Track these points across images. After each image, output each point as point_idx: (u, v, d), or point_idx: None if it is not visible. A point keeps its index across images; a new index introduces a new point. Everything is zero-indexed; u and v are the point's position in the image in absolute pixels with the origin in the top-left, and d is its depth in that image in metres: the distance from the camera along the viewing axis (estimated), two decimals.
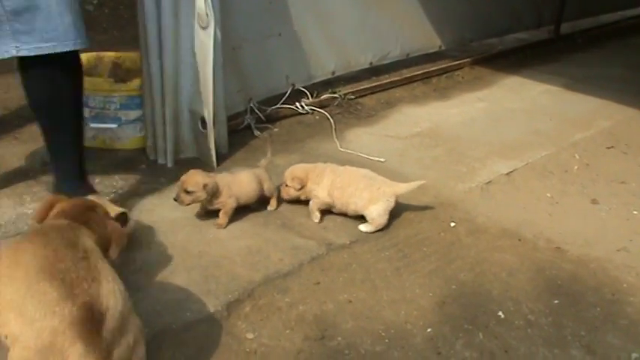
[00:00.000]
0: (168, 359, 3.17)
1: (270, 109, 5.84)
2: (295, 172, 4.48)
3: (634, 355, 3.41)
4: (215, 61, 4.80)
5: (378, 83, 6.90)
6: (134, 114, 5.24)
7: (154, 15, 4.68)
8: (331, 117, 6.04)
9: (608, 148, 5.89)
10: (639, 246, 4.45)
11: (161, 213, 4.43)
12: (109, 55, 5.91)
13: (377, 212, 4.31)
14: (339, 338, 3.44)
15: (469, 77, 7.52)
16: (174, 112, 4.99)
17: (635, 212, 4.89)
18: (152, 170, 5.04)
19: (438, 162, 5.41)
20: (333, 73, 6.44)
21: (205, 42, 4.76)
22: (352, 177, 4.39)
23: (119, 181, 4.84)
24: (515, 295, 3.85)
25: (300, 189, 4.45)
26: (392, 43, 6.90)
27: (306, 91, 6.17)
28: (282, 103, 5.98)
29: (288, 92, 5.96)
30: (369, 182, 4.37)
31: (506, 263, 4.15)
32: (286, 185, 4.51)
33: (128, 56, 5.86)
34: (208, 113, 4.92)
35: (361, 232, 4.34)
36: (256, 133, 5.65)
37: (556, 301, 3.82)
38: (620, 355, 3.41)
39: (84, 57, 5.70)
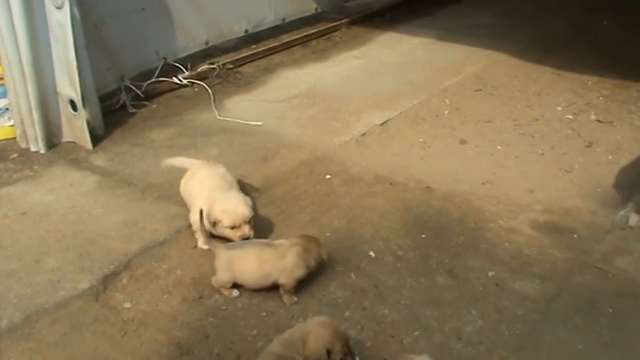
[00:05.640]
0: (41, 339, 3.19)
1: (145, 84, 5.79)
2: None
3: (490, 273, 3.70)
4: (76, 41, 4.71)
5: (257, 50, 6.94)
6: None
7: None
8: (210, 88, 6.06)
9: (476, 91, 6.22)
10: (502, 177, 4.78)
11: (34, 198, 4.36)
12: None
13: None
14: (217, 296, 3.54)
15: (347, 37, 7.69)
16: (41, 96, 4.87)
17: (499, 147, 5.23)
18: (25, 158, 4.92)
19: (315, 120, 5.56)
20: (207, 43, 6.45)
21: (62, 22, 4.65)
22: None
23: None
24: (385, 235, 4.07)
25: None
26: (265, 9, 6.96)
27: (178, 65, 6.15)
28: (159, 78, 5.93)
29: (160, 66, 5.93)
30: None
31: (378, 207, 4.36)
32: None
33: None
34: (76, 94, 4.84)
35: None
36: (131, 110, 5.60)
37: (423, 236, 4.07)
38: (479, 275, 3.70)
39: None
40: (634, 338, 3.18)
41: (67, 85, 4.86)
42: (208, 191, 3.85)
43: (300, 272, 3.46)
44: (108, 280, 3.59)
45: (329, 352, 2.88)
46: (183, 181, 4.14)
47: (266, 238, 3.88)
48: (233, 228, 3.70)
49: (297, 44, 7.33)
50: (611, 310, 3.36)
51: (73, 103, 4.91)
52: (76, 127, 5.02)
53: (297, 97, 6.02)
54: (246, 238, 3.70)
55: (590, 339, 3.19)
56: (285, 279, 3.46)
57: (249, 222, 3.72)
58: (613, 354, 3.10)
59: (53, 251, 3.81)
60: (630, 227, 4.02)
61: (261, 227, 4.05)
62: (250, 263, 3.47)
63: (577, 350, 3.12)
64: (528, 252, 3.89)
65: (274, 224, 4.13)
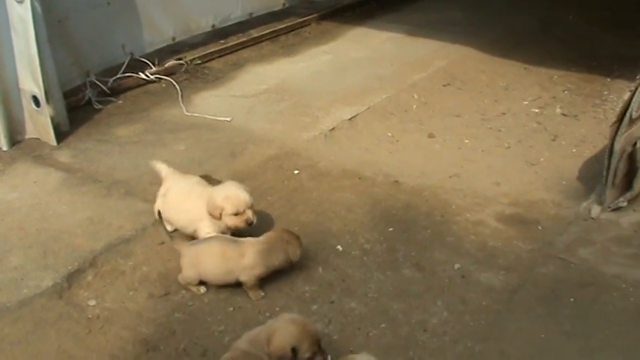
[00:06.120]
0: (4, 338, 3.14)
1: (111, 80, 5.72)
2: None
3: (456, 266, 3.74)
4: (38, 36, 4.64)
5: (226, 46, 6.90)
6: None
7: None
8: (178, 83, 6.00)
9: (445, 85, 6.26)
10: (469, 171, 4.83)
11: None
12: None
13: None
14: (183, 292, 3.52)
15: (316, 32, 7.67)
16: (2, 92, 4.77)
17: (466, 141, 5.28)
18: None
19: (284, 115, 5.54)
20: (174, 38, 6.38)
21: (24, 17, 4.58)
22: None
23: None
24: (353, 229, 4.08)
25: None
26: (232, 3, 6.91)
27: (145, 60, 6.07)
28: (125, 74, 5.86)
29: (126, 62, 5.85)
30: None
31: (346, 201, 4.37)
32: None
33: None
34: (39, 90, 4.77)
35: None
36: (97, 106, 5.52)
37: (390, 229, 4.09)
38: (446, 268, 3.73)
39: None
40: (594, 327, 3.24)
41: (30, 80, 4.78)
42: (198, 194, 3.82)
43: (259, 271, 3.45)
44: (72, 278, 3.55)
45: (295, 351, 2.82)
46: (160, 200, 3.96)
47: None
48: (237, 215, 3.68)
49: (266, 39, 7.30)
50: (572, 300, 3.42)
51: (35, 99, 4.83)
52: (39, 124, 4.94)
53: (266, 93, 6.00)
54: (250, 224, 3.71)
55: (552, 328, 3.24)
56: (245, 277, 3.45)
57: (251, 207, 3.71)
58: (574, 342, 3.15)
59: (16, 249, 3.75)
60: (592, 218, 4.10)
61: None
62: (214, 259, 3.45)
63: (539, 339, 3.17)
64: (494, 244, 3.94)
65: None
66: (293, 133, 5.23)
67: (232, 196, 3.70)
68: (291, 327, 2.87)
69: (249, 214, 3.71)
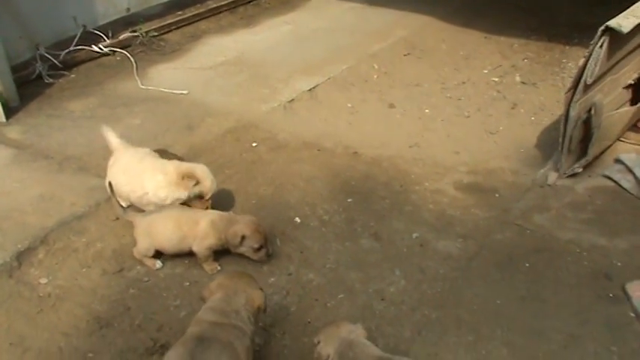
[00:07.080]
0: None
1: (63, 53, 5.53)
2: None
3: (415, 235, 3.74)
4: None
5: (183, 17, 6.73)
6: None
7: None
8: (132, 56, 5.85)
9: (405, 55, 6.22)
10: (429, 140, 4.82)
11: None
12: None
13: None
14: (138, 267, 3.46)
15: (276, 3, 7.53)
16: None
17: (426, 111, 5.26)
18: None
19: (242, 87, 5.45)
20: (128, 10, 6.21)
21: None
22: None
23: None
24: (311, 200, 4.05)
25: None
26: None
27: (99, 32, 5.89)
28: (78, 47, 5.68)
29: (79, 34, 5.67)
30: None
31: (305, 173, 4.33)
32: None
33: None
34: None
35: None
36: (48, 80, 5.35)
37: (349, 200, 4.07)
38: (404, 237, 3.73)
39: None
40: (548, 290, 3.28)
41: None
42: (153, 159, 3.76)
43: (210, 241, 3.40)
44: (23, 256, 3.45)
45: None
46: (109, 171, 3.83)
47: None
48: (201, 197, 3.68)
49: (225, 10, 7.15)
50: (528, 265, 3.45)
51: None
52: None
53: (224, 65, 5.88)
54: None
55: (508, 293, 3.27)
56: (197, 247, 3.40)
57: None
58: (528, 306, 3.19)
59: None
60: (549, 185, 4.13)
61: None
62: (168, 227, 3.40)
63: (495, 304, 3.20)
64: (452, 212, 3.95)
65: None
66: (251, 105, 5.14)
67: (210, 177, 3.67)
68: (250, 279, 2.86)
69: (209, 204, 3.71)
